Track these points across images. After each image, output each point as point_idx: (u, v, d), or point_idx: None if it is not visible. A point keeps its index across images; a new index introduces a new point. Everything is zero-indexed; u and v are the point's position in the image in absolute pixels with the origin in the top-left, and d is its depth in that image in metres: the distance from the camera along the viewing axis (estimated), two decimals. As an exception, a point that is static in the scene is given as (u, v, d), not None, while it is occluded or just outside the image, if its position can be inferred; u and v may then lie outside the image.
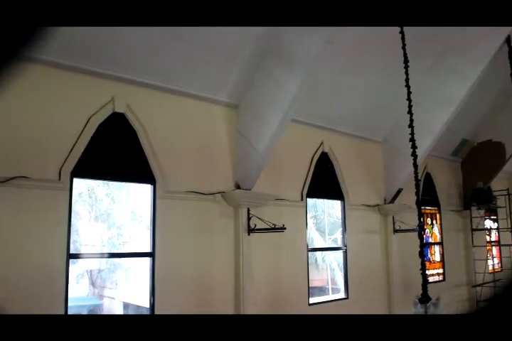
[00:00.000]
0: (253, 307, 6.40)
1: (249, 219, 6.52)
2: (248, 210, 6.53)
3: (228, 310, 6.31)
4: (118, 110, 5.52)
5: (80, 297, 8.40)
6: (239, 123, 6.59)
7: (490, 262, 12.97)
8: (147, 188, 5.87)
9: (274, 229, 6.47)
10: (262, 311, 6.57)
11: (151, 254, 5.71)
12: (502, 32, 7.81)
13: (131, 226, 7.29)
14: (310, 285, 7.76)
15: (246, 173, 6.49)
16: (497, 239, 13.73)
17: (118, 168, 5.56)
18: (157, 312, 5.57)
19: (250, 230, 6.51)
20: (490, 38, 7.99)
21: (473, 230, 12.16)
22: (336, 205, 8.71)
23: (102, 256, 7.08)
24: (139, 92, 5.72)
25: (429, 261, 10.97)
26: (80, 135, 5.17)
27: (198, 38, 5.59)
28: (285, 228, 6.47)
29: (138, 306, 7.81)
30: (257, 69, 6.35)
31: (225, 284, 6.35)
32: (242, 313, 6.30)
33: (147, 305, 5.73)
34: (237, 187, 6.53)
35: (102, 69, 5.31)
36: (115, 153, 5.53)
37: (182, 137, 6.10)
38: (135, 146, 5.69)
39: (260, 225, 6.53)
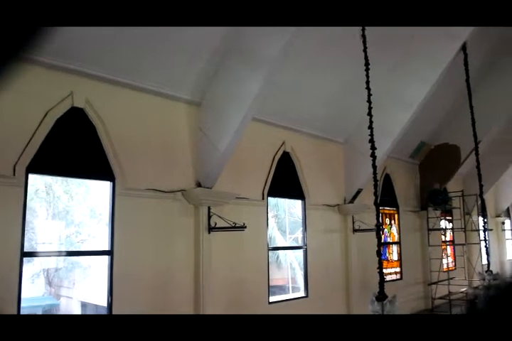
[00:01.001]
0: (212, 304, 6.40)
1: (209, 217, 6.50)
2: (209, 208, 6.52)
3: (188, 308, 6.27)
4: (77, 105, 5.40)
5: (35, 297, 8.16)
6: (200, 121, 6.56)
7: (444, 261, 13.39)
8: (106, 185, 5.78)
9: (235, 227, 6.48)
10: (222, 310, 6.57)
11: (109, 252, 5.62)
12: (459, 38, 8.07)
13: (90, 224, 7.14)
14: (271, 284, 7.81)
15: (207, 171, 6.48)
16: (451, 239, 14.18)
17: (76, 164, 5.44)
18: (115, 311, 5.49)
19: (211, 229, 6.50)
20: (448, 43, 8.25)
21: (429, 230, 12.52)
22: (297, 205, 8.79)
23: (59, 254, 6.90)
24: (100, 87, 5.61)
25: (387, 260, 11.22)
26: (37, 130, 5.03)
27: (161, 34, 5.53)
28: (245, 227, 6.50)
29: (96, 305, 7.66)
30: (219, 67, 6.35)
31: (185, 283, 6.32)
32: (201, 312, 6.28)
33: (105, 304, 5.64)
34: (198, 185, 6.51)
35: (61, 63, 5.17)
36: (73, 148, 5.41)
37: (143, 134, 6.03)
38: (94, 142, 5.58)
39: (221, 224, 6.53)
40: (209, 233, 6.51)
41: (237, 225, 6.46)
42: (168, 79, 6.18)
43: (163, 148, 6.25)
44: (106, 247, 5.65)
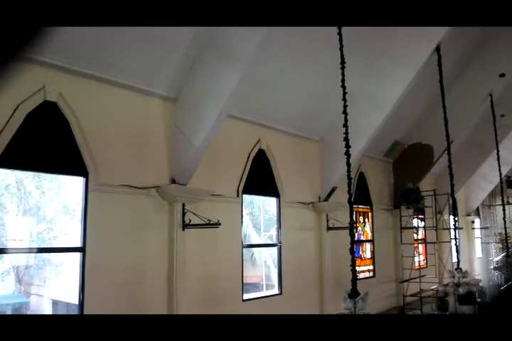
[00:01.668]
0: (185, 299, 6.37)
1: (183, 214, 6.47)
2: (183, 205, 6.48)
3: (161, 306, 6.23)
4: (49, 98, 5.28)
5: (4, 295, 7.99)
6: (176, 117, 6.51)
7: (416, 259, 13.61)
8: (79, 181, 5.68)
9: (209, 224, 6.46)
10: (196, 307, 6.55)
11: (81, 249, 5.53)
12: (433, 39, 8.21)
13: (63, 221, 7.02)
14: (246, 282, 7.81)
15: (182, 168, 6.44)
16: (423, 237, 14.42)
17: (48, 159, 5.34)
18: (87, 309, 5.40)
19: (185, 225, 6.47)
20: (422, 44, 8.39)
21: (402, 228, 12.71)
22: (272, 202, 8.82)
23: (29, 251, 6.77)
24: (74, 81, 5.50)
25: (360, 258, 11.36)
26: (7, 123, 4.91)
27: (137, 28, 5.46)
28: (220, 224, 6.49)
29: (67, 303, 7.54)
30: (196, 62, 6.31)
31: (158, 280, 6.27)
32: (174, 309, 6.24)
33: (77, 302, 5.55)
34: (173, 181, 6.46)
35: (33, 55, 5.05)
36: (45, 143, 5.30)
37: (117, 129, 5.95)
38: (67, 137, 5.48)
39: (195, 221, 6.50)
40: (183, 230, 6.47)
41: (211, 222, 6.45)
42: (144, 74, 6.11)
43: (137, 143, 6.18)
44: (78, 244, 5.56)
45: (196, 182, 6.62)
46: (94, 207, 5.63)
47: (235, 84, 6.02)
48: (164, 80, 6.38)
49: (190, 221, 6.47)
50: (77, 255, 5.57)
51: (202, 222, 6.48)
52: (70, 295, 6.65)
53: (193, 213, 6.47)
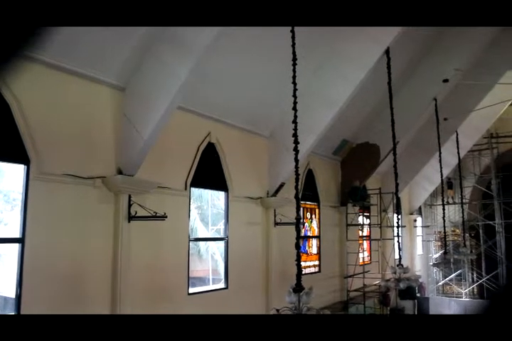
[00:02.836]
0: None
1: (129, 206, 6.35)
2: (129, 197, 6.36)
3: (104, 300, 6.09)
4: (-11, 82, 5.05)
5: None
6: (125, 107, 6.37)
7: (360, 255, 14.00)
8: (20, 168, 5.46)
9: (156, 217, 6.38)
10: (140, 301, 6.46)
11: (20, 240, 5.30)
12: (383, 42, 8.46)
13: (3, 210, 6.72)
14: (193, 276, 7.78)
15: (129, 159, 6.31)
16: (368, 234, 14.84)
17: (-14, 144, 5.10)
18: (24, 304, 5.15)
19: (131, 217, 6.34)
20: (372, 46, 8.63)
21: (347, 225, 13.03)
22: (220, 196, 8.81)
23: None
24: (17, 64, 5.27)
25: (307, 254, 11.55)
26: None
27: (87, 14, 5.30)
28: (166, 216, 6.42)
29: (4, 298, 7.24)
30: (147, 52, 6.20)
31: (102, 274, 6.11)
32: (118, 303, 6.13)
33: (14, 296, 5.32)
34: (119, 172, 6.32)
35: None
36: (-17, 128, 5.06)
37: (62, 116, 5.74)
38: (8, 122, 5.23)
39: (141, 213, 6.39)
40: (129, 222, 6.35)
41: (157, 215, 6.37)
42: (93, 61, 5.93)
43: (84, 132, 6.00)
44: (17, 234, 5.33)
45: (144, 173, 6.51)
46: (36, 197, 5.41)
47: (186, 76, 5.96)
48: (114, 69, 6.23)
49: (136, 213, 6.36)
50: (16, 246, 5.34)
51: (148, 215, 6.39)
52: (6, 289, 6.39)
53: (139, 205, 6.37)
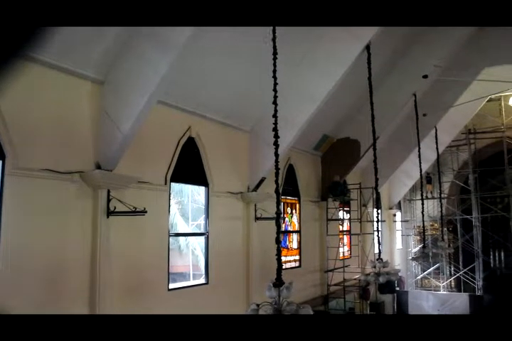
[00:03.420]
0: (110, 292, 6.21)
1: (108, 201, 6.28)
2: (108, 192, 6.29)
3: (83, 297, 6.02)
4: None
5: None
6: (104, 101, 6.28)
7: (341, 249, 14.11)
8: (-5, 164, 5.34)
9: (135, 212, 6.33)
10: (119, 297, 6.41)
11: (-5, 237, 5.20)
12: (364, 38, 8.49)
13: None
14: (174, 271, 7.73)
15: (108, 153, 6.23)
16: (348, 229, 14.96)
17: (-40, 139, 4.97)
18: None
19: (110, 213, 6.28)
20: (353, 42, 8.66)
21: (328, 220, 13.09)
22: (201, 191, 8.78)
23: None
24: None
25: (287, 248, 11.59)
26: None
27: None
28: (146, 212, 6.37)
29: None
30: (127, 45, 6.10)
31: (80, 270, 6.03)
32: (97, 300, 6.06)
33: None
34: (98, 167, 6.23)
35: None
36: (-43, 122, 4.93)
37: (39, 110, 5.62)
38: (-19, 116, 5.12)
39: (120, 208, 6.33)
40: (108, 217, 6.28)
41: (137, 210, 6.31)
42: (71, 53, 5.81)
43: (61, 126, 5.89)
44: (-9, 231, 5.22)
45: (123, 168, 6.44)
46: (12, 192, 5.29)
47: (166, 70, 5.90)
48: (93, 61, 6.13)
49: (115, 208, 6.29)
50: (-9, 243, 5.22)
51: (127, 210, 6.33)
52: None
53: (119, 200, 6.30)
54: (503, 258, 18.84)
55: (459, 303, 16.26)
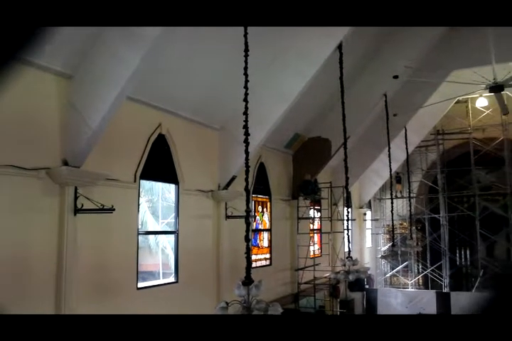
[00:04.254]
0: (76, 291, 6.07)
1: (76, 198, 6.14)
2: (75, 189, 6.15)
3: (49, 296, 5.87)
4: None
5: None
6: (72, 96, 6.12)
7: (311, 248, 14.22)
8: (-45, 159, 5.16)
9: (103, 210, 6.21)
10: (86, 297, 6.27)
11: (-45, 235, 5.03)
12: (336, 37, 8.55)
13: None
14: (143, 270, 7.63)
15: (76, 149, 6.08)
16: (319, 227, 15.07)
17: None
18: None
19: (77, 210, 6.14)
20: (325, 42, 8.72)
21: (299, 218, 13.15)
22: (171, 189, 8.69)
23: None
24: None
25: (258, 247, 11.60)
26: None
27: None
28: (114, 209, 6.26)
29: None
30: (96, 39, 5.96)
31: (46, 268, 5.88)
32: (63, 300, 5.93)
33: None
34: (65, 163, 6.07)
35: None
36: None
37: (3, 104, 5.41)
38: None
39: (88, 205, 6.20)
40: (75, 215, 6.14)
41: (105, 207, 6.19)
42: (38, 46, 5.65)
43: (27, 121, 5.72)
44: (-48, 228, 5.05)
45: (91, 165, 6.30)
46: (-26, 189, 5.14)
47: (136, 64, 5.79)
48: (61, 56, 5.97)
49: (82, 206, 6.16)
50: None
51: (95, 207, 6.21)
52: None
53: (86, 197, 6.17)
54: (468, 256, 19.33)
55: (427, 300, 16.59)
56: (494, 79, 10.12)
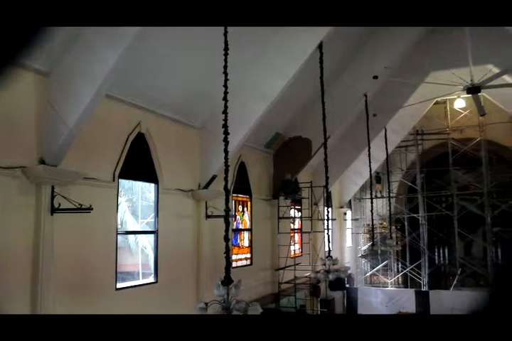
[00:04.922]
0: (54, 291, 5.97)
1: (52, 197, 6.03)
2: (52, 188, 6.04)
3: (25, 297, 5.75)
4: None
5: None
6: (49, 93, 6.00)
7: (292, 247, 14.25)
8: None
9: (80, 209, 6.11)
10: (64, 298, 6.17)
11: None
12: (317, 36, 8.59)
13: None
14: (123, 270, 7.54)
15: (52, 148, 5.97)
16: (299, 227, 15.11)
17: None
18: None
19: (53, 210, 6.03)
20: (305, 41, 8.75)
21: (279, 218, 13.16)
22: (151, 189, 8.61)
23: None
24: None
25: (238, 246, 11.57)
26: None
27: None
28: (92, 209, 6.17)
29: None
30: (74, 36, 5.86)
31: (21, 268, 5.74)
32: (39, 301, 5.81)
33: None
34: (42, 162, 5.96)
35: None
36: None
37: (-23, 101, 5.34)
38: None
39: (65, 205, 6.09)
40: (52, 215, 6.03)
41: (83, 207, 6.10)
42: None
43: (2, 119, 5.58)
44: None
45: (68, 163, 6.19)
46: None
47: (114, 62, 5.71)
48: (38, 51, 5.85)
49: (59, 205, 6.05)
50: None
51: (73, 207, 6.11)
52: None
53: (63, 197, 6.07)
54: (446, 254, 19.60)
55: (406, 299, 16.79)
56: (471, 80, 10.28)
